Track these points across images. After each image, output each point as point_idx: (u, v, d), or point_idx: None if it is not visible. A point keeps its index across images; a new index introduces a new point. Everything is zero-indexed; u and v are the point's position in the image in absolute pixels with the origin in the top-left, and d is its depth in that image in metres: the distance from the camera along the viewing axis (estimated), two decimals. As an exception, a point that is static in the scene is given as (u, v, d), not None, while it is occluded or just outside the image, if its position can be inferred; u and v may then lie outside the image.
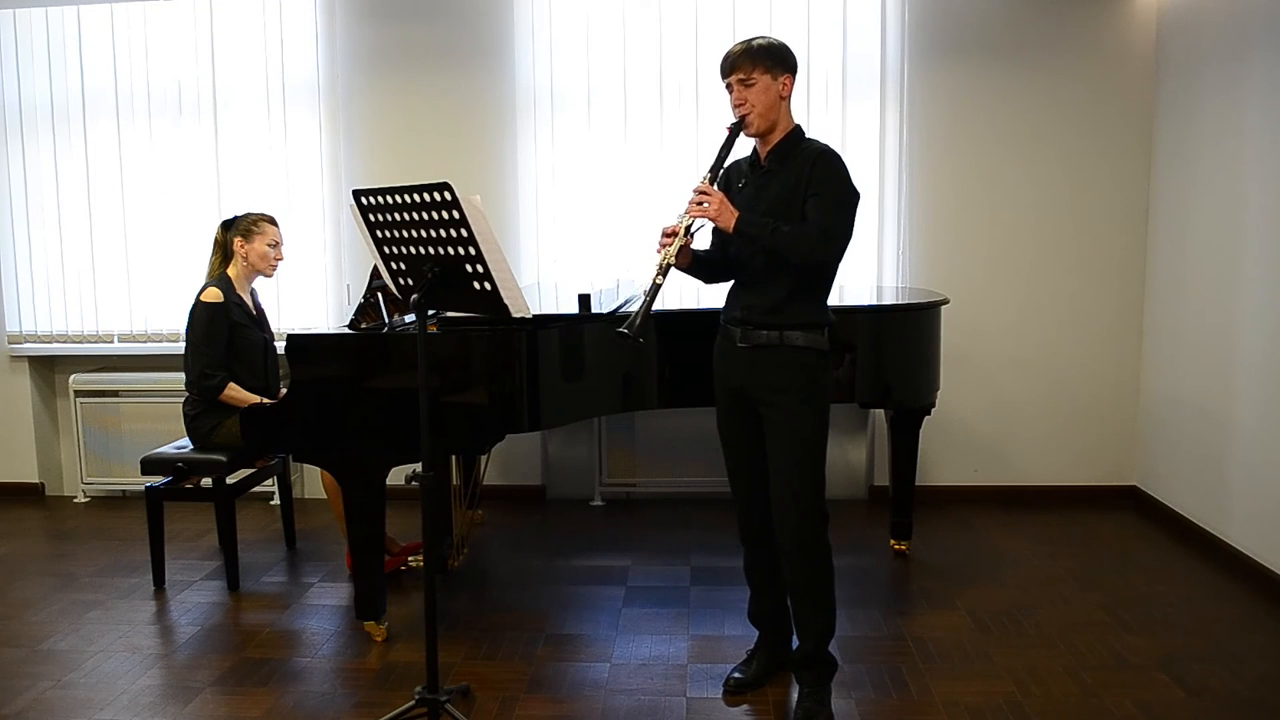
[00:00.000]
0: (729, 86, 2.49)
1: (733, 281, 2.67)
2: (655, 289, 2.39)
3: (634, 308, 2.40)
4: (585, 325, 3.13)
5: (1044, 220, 4.43)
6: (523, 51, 4.51)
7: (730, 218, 2.39)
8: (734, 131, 2.49)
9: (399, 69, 4.56)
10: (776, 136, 2.52)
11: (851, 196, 2.49)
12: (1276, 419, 3.40)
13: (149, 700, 2.75)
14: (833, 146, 2.51)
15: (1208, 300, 3.88)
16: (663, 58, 4.44)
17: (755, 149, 2.60)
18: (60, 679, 2.89)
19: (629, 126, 4.49)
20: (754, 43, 2.47)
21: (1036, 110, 4.37)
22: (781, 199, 2.47)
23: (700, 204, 2.40)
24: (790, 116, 2.54)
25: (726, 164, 2.56)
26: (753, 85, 2.45)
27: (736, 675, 2.76)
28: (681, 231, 2.44)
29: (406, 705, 2.55)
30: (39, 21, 4.69)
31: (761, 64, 2.45)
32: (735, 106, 2.48)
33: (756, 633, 2.85)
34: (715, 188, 2.45)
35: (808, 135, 2.56)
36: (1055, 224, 4.43)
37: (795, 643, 2.65)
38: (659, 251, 2.45)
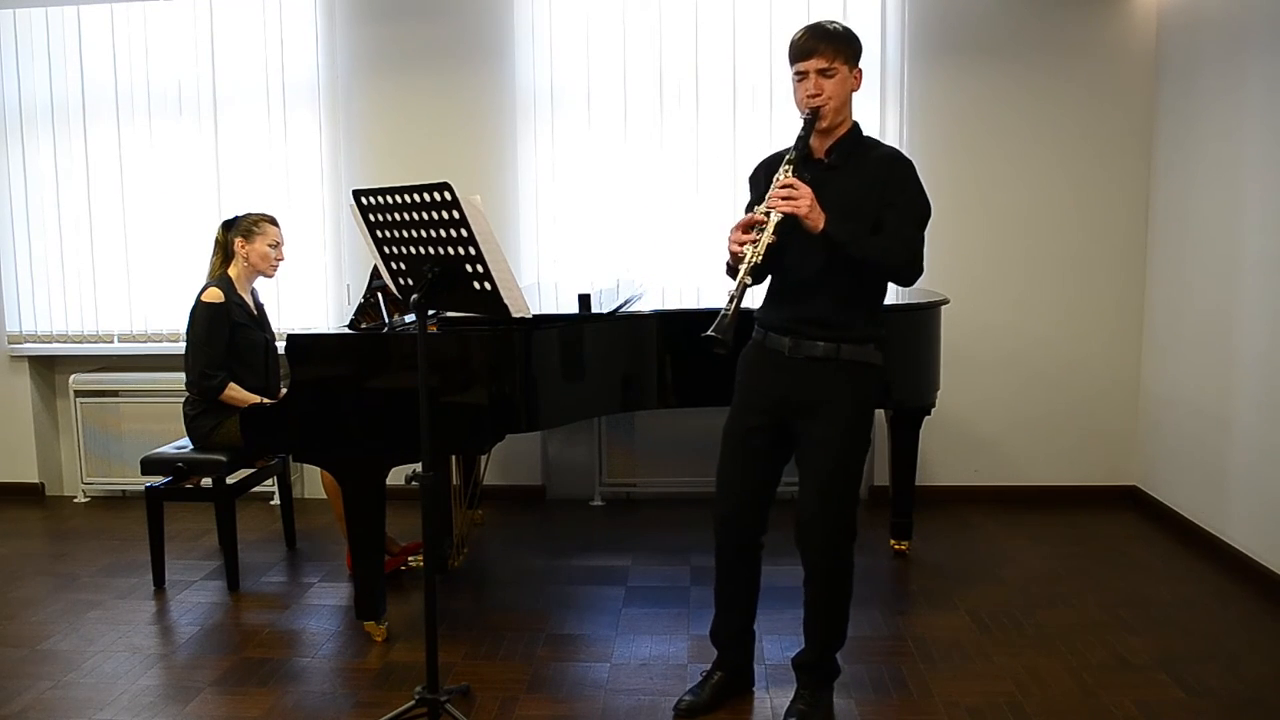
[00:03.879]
0: (801, 74, 2.32)
1: (771, 285, 2.52)
2: (744, 288, 2.21)
3: (719, 309, 2.22)
4: (585, 325, 3.13)
5: (1044, 220, 4.43)
6: (523, 51, 4.51)
7: (819, 217, 2.22)
8: (810, 124, 2.32)
9: (399, 69, 4.56)
10: (840, 131, 2.39)
11: (929, 212, 2.40)
12: (1276, 419, 3.40)
13: (149, 700, 2.75)
14: (903, 153, 2.42)
15: (1207, 300, 3.88)
16: (663, 58, 4.44)
17: (805, 142, 2.37)
18: (60, 679, 2.89)
19: (629, 126, 4.49)
20: (833, 26, 2.33)
21: (1036, 110, 4.37)
22: (848, 200, 2.31)
23: (788, 198, 2.21)
24: (852, 113, 2.43)
25: (766, 157, 2.46)
26: (833, 75, 2.31)
27: (688, 698, 2.63)
28: (771, 226, 2.23)
29: (406, 705, 2.55)
30: (39, 21, 4.69)
31: (843, 53, 2.31)
32: (809, 96, 2.31)
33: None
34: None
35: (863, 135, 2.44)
36: (1055, 223, 4.43)
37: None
38: (735, 249, 2.26)
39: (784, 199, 2.22)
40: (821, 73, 2.32)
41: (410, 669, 2.88)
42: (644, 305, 3.50)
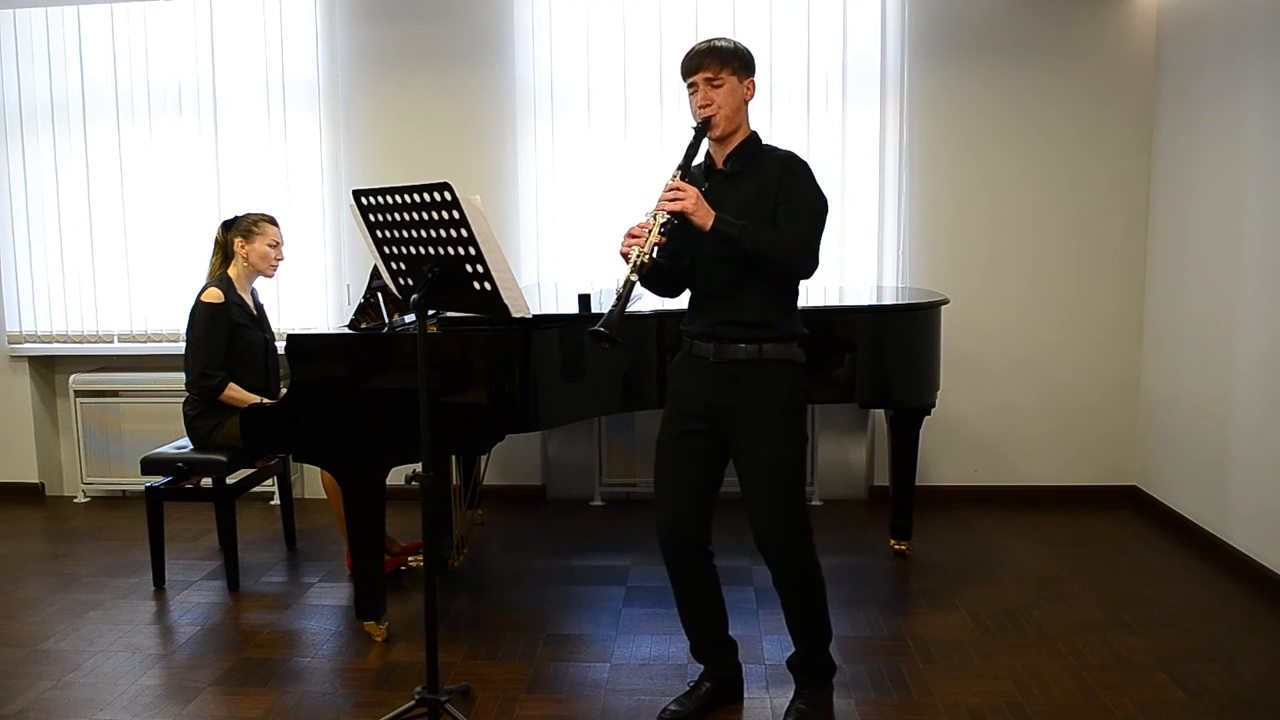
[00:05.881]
0: (692, 86, 2.40)
1: (691, 294, 2.54)
2: (630, 286, 2.27)
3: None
4: (585, 325, 3.12)
5: (1044, 220, 4.43)
6: (523, 51, 4.52)
7: (707, 215, 2.27)
8: (700, 133, 2.40)
9: (399, 69, 4.57)
10: (736, 140, 2.44)
11: (824, 207, 2.41)
12: (1276, 419, 3.40)
13: (149, 700, 2.75)
14: (798, 154, 2.43)
15: (1208, 300, 3.88)
16: (663, 58, 4.44)
17: (709, 155, 2.50)
18: (60, 679, 2.89)
19: (629, 126, 4.49)
20: (719, 43, 2.41)
21: (1036, 110, 4.37)
22: (746, 203, 2.36)
23: (674, 199, 2.28)
24: (749, 122, 2.47)
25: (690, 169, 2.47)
26: (720, 85, 2.37)
27: (674, 707, 2.59)
28: (655, 227, 2.29)
29: (406, 705, 2.55)
30: (39, 21, 4.69)
31: (729, 65, 2.37)
32: (700, 107, 2.39)
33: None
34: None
35: (766, 141, 2.49)
36: (1055, 224, 4.43)
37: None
38: (625, 252, 2.32)
39: (669, 199, 2.29)
40: (708, 83, 2.38)
41: (410, 669, 2.88)
42: (644, 305, 3.49)
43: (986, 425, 4.57)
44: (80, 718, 2.66)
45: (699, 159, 2.52)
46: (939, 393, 3.75)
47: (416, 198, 2.31)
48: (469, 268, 2.36)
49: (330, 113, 4.61)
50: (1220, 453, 3.76)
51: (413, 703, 2.54)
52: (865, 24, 4.38)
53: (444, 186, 2.24)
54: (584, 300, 3.23)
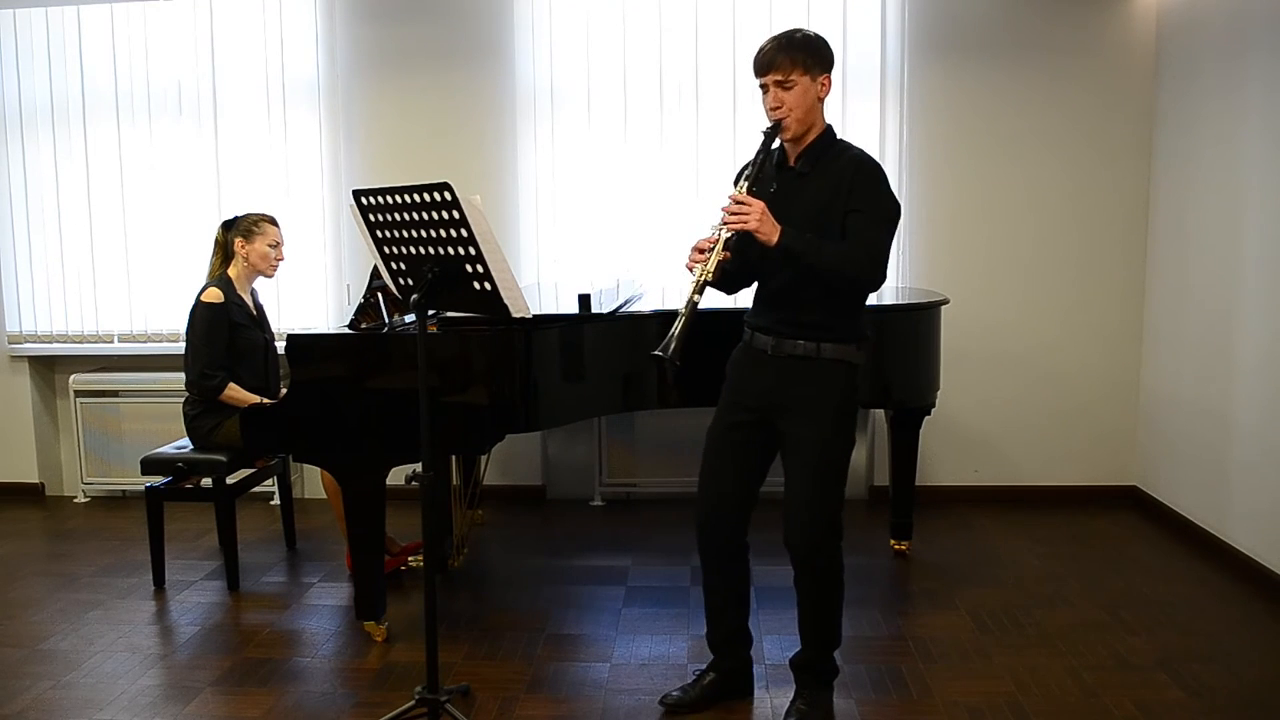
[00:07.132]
0: (764, 87, 2.34)
1: (757, 288, 2.54)
2: (693, 307, 2.24)
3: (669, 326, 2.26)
4: (585, 325, 3.13)
5: (1044, 220, 4.43)
6: (523, 51, 4.52)
7: (773, 230, 2.22)
8: (770, 136, 2.34)
9: (399, 69, 4.57)
10: (810, 138, 2.38)
11: (895, 213, 2.37)
12: (1276, 419, 3.40)
13: (149, 700, 2.75)
14: (871, 154, 2.40)
15: (1208, 300, 3.88)
16: (663, 58, 4.44)
17: (782, 148, 2.44)
18: (60, 679, 2.89)
19: (629, 126, 4.49)
20: (794, 37, 2.33)
21: (1037, 110, 4.37)
22: (817, 206, 2.33)
23: (737, 214, 2.23)
24: (824, 117, 2.41)
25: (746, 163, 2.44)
26: (791, 87, 2.30)
27: (676, 694, 2.63)
28: (719, 245, 2.27)
29: (406, 705, 2.55)
30: (39, 21, 4.69)
31: (801, 64, 2.30)
32: (771, 109, 2.33)
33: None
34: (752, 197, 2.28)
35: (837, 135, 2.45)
36: (1055, 224, 4.43)
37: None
38: (691, 267, 2.30)
39: (734, 214, 2.25)
40: (780, 84, 2.32)
41: (410, 669, 2.88)
42: (644, 305, 3.50)
43: (986, 425, 4.57)
44: (80, 718, 2.66)
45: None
46: (939, 393, 3.75)
47: (416, 198, 2.31)
48: (469, 268, 2.36)
49: (330, 113, 4.61)
50: (1220, 453, 3.76)
51: (413, 703, 2.54)
52: (865, 23, 4.38)
53: (444, 186, 2.24)
54: (584, 300, 3.23)
